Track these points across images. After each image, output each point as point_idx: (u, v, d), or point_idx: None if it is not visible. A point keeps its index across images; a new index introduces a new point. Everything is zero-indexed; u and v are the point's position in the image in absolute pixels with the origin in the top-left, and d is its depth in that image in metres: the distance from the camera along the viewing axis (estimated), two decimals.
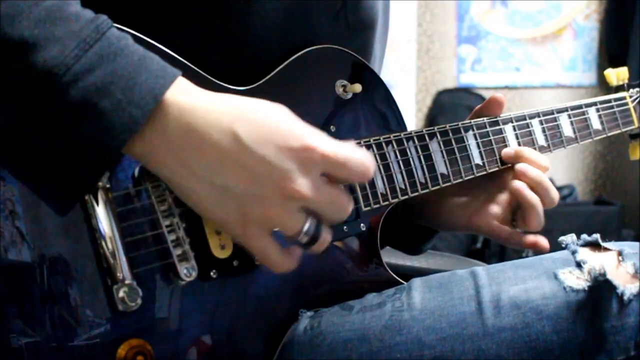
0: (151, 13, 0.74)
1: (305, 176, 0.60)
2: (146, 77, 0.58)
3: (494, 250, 3.27)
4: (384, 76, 0.90)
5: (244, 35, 0.77)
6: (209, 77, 0.73)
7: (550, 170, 0.93)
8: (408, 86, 3.45)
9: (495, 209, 0.91)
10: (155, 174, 0.64)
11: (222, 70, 0.74)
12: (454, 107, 3.55)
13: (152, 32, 0.68)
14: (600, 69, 3.59)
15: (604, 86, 3.61)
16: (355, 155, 0.62)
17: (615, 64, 3.59)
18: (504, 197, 0.91)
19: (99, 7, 0.60)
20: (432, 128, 0.87)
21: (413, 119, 3.57)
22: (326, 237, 0.64)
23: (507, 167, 0.91)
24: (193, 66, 0.72)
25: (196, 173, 0.60)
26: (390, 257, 1.13)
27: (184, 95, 0.60)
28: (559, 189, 3.42)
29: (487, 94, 3.57)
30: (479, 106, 0.95)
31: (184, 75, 0.62)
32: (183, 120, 0.59)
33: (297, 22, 0.80)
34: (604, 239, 0.76)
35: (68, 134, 0.56)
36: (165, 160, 0.60)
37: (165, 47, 0.69)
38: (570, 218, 3.22)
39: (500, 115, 0.93)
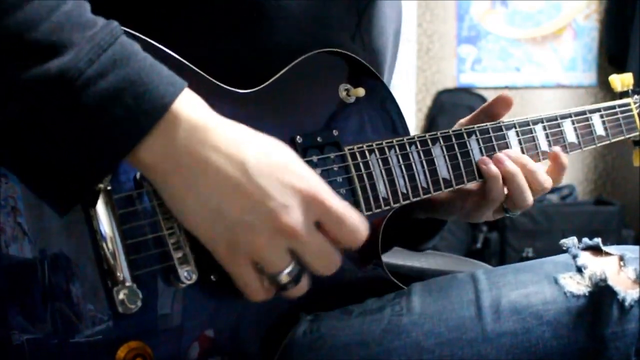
0: (158, 21, 0.74)
1: (301, 215, 0.59)
2: (158, 83, 0.58)
3: (493, 250, 3.28)
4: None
5: (254, 52, 0.78)
6: (210, 79, 0.73)
7: None
8: (408, 86, 3.44)
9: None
10: (151, 183, 0.63)
11: (228, 76, 0.74)
12: (454, 107, 3.55)
13: (157, 38, 0.68)
14: (600, 69, 3.59)
15: (604, 86, 3.62)
16: (353, 217, 0.62)
17: (615, 64, 3.57)
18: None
19: (106, 11, 0.60)
20: (434, 133, 0.86)
21: (413, 119, 3.57)
22: (304, 286, 0.64)
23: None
24: (194, 67, 0.71)
25: (193, 190, 0.59)
26: (390, 258, 1.13)
27: (196, 111, 0.59)
28: (559, 189, 3.42)
29: (487, 94, 3.58)
30: (485, 104, 0.95)
31: (186, 76, 0.62)
32: (194, 138, 0.59)
33: (313, 42, 0.80)
34: (604, 239, 0.76)
35: (75, 137, 0.56)
36: (166, 173, 0.60)
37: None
38: (570, 218, 3.23)
39: (504, 121, 0.93)
